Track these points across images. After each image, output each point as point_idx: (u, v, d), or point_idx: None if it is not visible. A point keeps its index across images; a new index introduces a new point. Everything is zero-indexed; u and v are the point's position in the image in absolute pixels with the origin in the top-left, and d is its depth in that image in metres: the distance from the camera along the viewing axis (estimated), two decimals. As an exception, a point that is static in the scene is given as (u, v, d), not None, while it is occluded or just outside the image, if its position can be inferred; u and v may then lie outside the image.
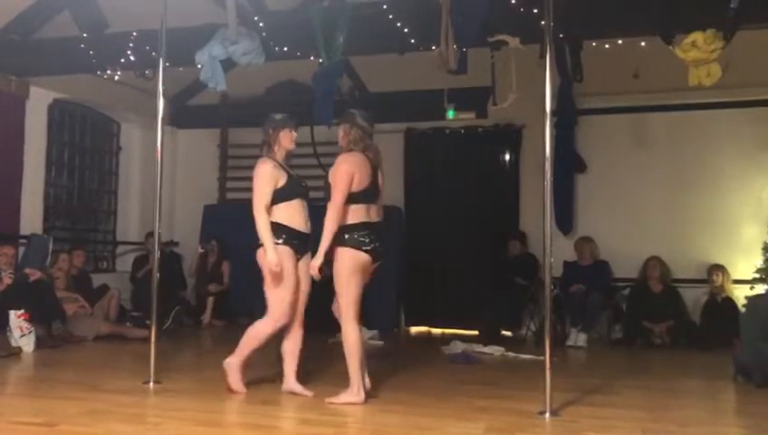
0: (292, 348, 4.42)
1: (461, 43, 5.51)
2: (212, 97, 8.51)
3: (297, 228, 4.34)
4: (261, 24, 6.02)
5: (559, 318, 7.30)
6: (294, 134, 4.48)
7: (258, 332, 4.35)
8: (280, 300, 4.27)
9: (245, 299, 7.80)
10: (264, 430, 3.56)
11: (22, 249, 7.20)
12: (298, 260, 4.34)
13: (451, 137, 8.58)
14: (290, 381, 4.40)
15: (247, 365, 4.41)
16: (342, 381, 4.16)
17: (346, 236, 4.12)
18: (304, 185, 4.51)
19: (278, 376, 4.48)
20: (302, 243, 4.37)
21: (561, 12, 4.46)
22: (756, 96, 7.48)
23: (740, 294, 6.98)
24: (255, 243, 4.31)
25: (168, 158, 8.66)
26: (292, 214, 4.33)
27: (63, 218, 8.54)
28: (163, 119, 5.07)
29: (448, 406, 4.21)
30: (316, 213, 4.34)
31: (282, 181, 4.35)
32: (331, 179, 4.18)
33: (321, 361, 5.29)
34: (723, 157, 7.71)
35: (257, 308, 7.35)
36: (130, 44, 6.51)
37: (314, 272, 4.12)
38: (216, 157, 9.26)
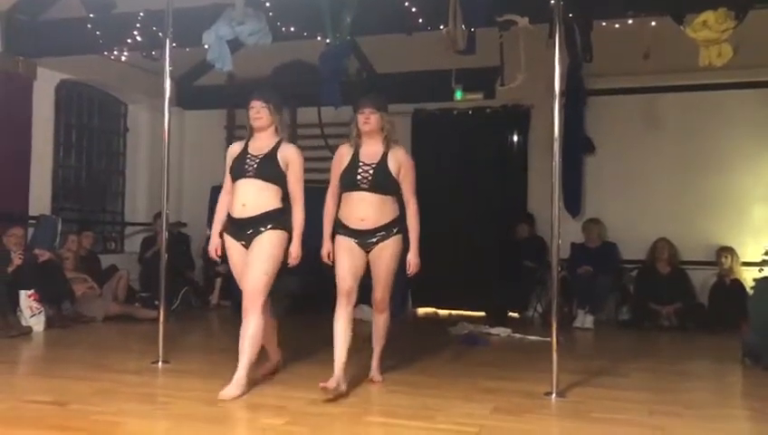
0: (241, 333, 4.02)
1: (469, 23, 5.47)
2: (219, 78, 8.48)
3: (230, 213, 4.11)
4: (268, 5, 5.98)
5: (566, 300, 7.30)
6: (251, 114, 4.12)
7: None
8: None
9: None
10: (272, 410, 3.58)
11: (31, 230, 7.24)
12: (244, 246, 4.05)
13: (459, 118, 8.54)
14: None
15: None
16: (351, 362, 4.17)
17: (403, 225, 4.26)
18: (251, 164, 4.07)
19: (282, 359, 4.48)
20: (237, 228, 4.08)
21: (570, -9, 4.41)
22: (767, 77, 7.40)
23: (748, 277, 6.95)
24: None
25: (176, 139, 8.61)
26: (234, 197, 4.10)
27: (72, 199, 8.57)
28: (170, 99, 5.06)
29: (455, 387, 4.22)
30: (320, 197, 4.24)
31: (230, 162, 4.19)
32: (405, 176, 4.19)
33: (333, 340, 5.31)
34: (733, 138, 7.65)
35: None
36: (137, 25, 6.49)
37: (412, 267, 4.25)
38: (224, 138, 9.24)
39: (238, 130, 9.34)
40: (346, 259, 4.09)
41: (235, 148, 4.23)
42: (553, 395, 4.00)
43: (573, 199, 7.86)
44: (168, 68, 5.04)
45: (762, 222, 7.46)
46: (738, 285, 7.18)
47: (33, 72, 7.43)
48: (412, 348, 5.52)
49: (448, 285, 8.41)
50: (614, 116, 8.00)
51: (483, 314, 7.74)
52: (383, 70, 8.52)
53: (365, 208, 4.07)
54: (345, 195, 4.13)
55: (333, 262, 4.14)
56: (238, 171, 4.11)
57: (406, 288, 8.32)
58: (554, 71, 4.26)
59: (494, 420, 3.54)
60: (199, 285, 8.60)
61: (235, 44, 6.07)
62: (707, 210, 7.66)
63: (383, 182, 4.09)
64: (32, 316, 6.10)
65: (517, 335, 6.45)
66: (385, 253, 4.13)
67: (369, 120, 4.10)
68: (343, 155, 4.19)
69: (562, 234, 4.35)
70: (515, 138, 8.45)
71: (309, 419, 3.44)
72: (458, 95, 8.14)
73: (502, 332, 6.56)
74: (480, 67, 6.97)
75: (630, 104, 7.99)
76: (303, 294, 7.10)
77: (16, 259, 6.30)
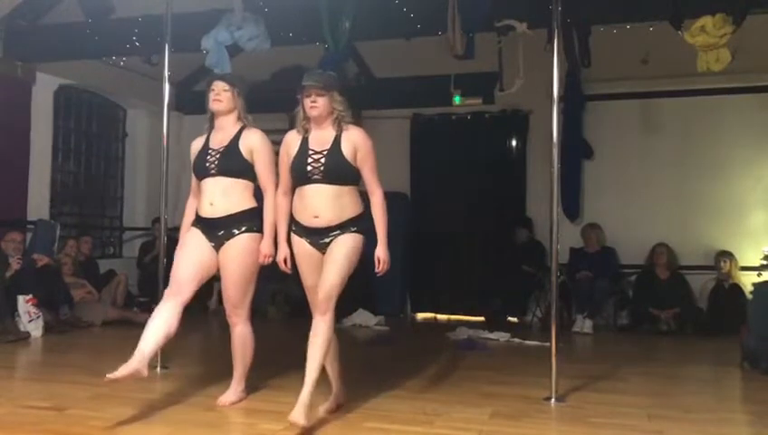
0: (156, 322, 3.63)
1: (468, 28, 5.48)
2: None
3: (198, 213, 3.81)
4: (266, 10, 5.99)
5: (565, 304, 7.30)
6: (211, 96, 3.79)
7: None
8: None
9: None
10: (270, 415, 3.57)
11: (29, 235, 7.23)
12: (214, 247, 3.74)
13: (458, 123, 8.55)
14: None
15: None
16: (350, 367, 4.16)
17: (365, 225, 3.61)
18: (212, 161, 3.74)
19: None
20: (207, 227, 3.76)
21: (568, -4, 4.42)
22: (765, 81, 7.41)
23: (747, 281, 6.95)
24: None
25: (174, 143, 8.57)
26: (201, 196, 3.80)
27: (70, 204, 8.56)
28: (169, 104, 5.06)
29: (454, 392, 4.22)
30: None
31: (193, 159, 3.86)
32: (364, 160, 3.56)
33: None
34: (731, 143, 7.66)
35: (262, 294, 7.39)
36: (136, 30, 6.50)
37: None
38: (223, 143, 9.26)
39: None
40: (308, 275, 3.59)
41: (197, 143, 3.87)
42: (552, 400, 3.99)
43: (572, 204, 7.87)
44: (166, 73, 5.04)
45: (760, 226, 7.47)
46: (737, 289, 7.19)
47: (31, 76, 7.43)
48: (411, 353, 5.51)
49: (447, 289, 8.43)
50: (612, 121, 8.01)
51: (481, 318, 7.73)
52: (382, 75, 8.54)
53: (318, 204, 3.49)
54: (298, 189, 3.58)
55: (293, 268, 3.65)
56: (201, 169, 3.78)
57: (402, 291, 8.34)
58: (553, 76, 4.27)
59: (493, 425, 3.54)
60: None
61: (233, 49, 6.07)
62: (706, 215, 7.67)
63: (337, 171, 3.49)
64: (30, 321, 6.08)
65: (516, 340, 6.45)
66: (338, 250, 3.48)
67: (316, 103, 3.52)
68: (290, 143, 3.62)
69: (561, 238, 4.36)
70: (514, 143, 8.46)
71: (309, 424, 3.43)
72: (457, 100, 8.17)
73: (501, 336, 6.56)
74: (479, 72, 7.00)
75: (629, 109, 8.00)
76: (305, 297, 7.08)
77: (15, 264, 6.30)
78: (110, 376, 3.32)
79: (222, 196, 3.71)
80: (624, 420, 3.70)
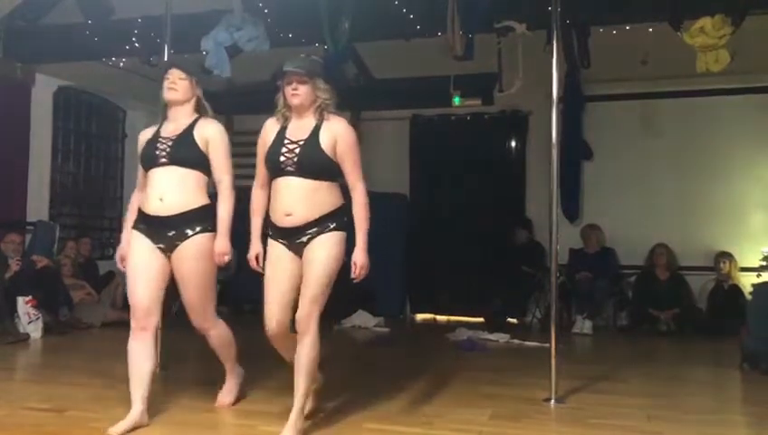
0: (137, 363, 3.39)
1: (467, 28, 5.48)
2: (217, 84, 8.47)
3: (143, 210, 3.47)
4: (266, 11, 6.00)
5: (565, 305, 7.30)
6: (165, 84, 3.49)
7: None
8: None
9: (251, 286, 7.85)
10: (269, 417, 3.57)
11: (29, 236, 7.23)
12: (163, 250, 3.41)
13: (457, 124, 8.55)
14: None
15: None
16: (350, 369, 4.17)
17: (345, 219, 3.27)
18: (163, 148, 3.42)
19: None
20: (155, 227, 3.40)
21: (568, -3, 4.42)
22: (765, 82, 7.43)
23: (747, 282, 6.96)
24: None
25: (174, 145, 8.65)
26: (148, 191, 3.46)
27: (70, 205, 8.56)
28: (168, 105, 5.04)
29: (454, 393, 4.22)
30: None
31: (140, 150, 3.54)
32: (345, 154, 3.22)
33: (332, 346, 5.29)
34: (730, 143, 7.67)
35: (262, 295, 7.37)
36: (135, 31, 6.50)
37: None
38: (222, 144, 9.25)
39: (237, 135, 9.32)
40: (272, 285, 3.25)
41: (146, 133, 3.56)
42: (552, 401, 3.99)
43: (572, 205, 7.88)
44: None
45: (760, 227, 7.47)
46: (736, 290, 7.20)
47: (31, 77, 7.43)
48: (410, 354, 5.52)
49: (446, 290, 8.43)
50: (612, 122, 8.02)
51: (481, 319, 7.73)
52: (381, 75, 8.53)
53: (291, 199, 3.19)
54: (273, 183, 3.28)
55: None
56: (149, 158, 3.43)
57: (402, 292, 8.33)
58: (552, 77, 4.27)
59: (493, 426, 3.53)
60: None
61: (233, 50, 6.08)
62: (705, 216, 7.68)
63: (312, 163, 3.18)
64: (29, 323, 6.08)
65: (516, 341, 6.45)
66: (316, 255, 3.16)
67: (297, 91, 3.23)
68: (267, 132, 3.35)
69: (561, 239, 4.35)
70: (513, 143, 8.46)
71: (308, 426, 3.42)
72: (456, 101, 8.17)
73: (500, 337, 6.55)
74: (478, 73, 6.99)
75: (628, 110, 8.01)
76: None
77: (14, 265, 6.30)
78: (111, 431, 3.21)
79: (173, 190, 3.37)
80: (624, 420, 3.70)
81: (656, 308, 7.32)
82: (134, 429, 3.30)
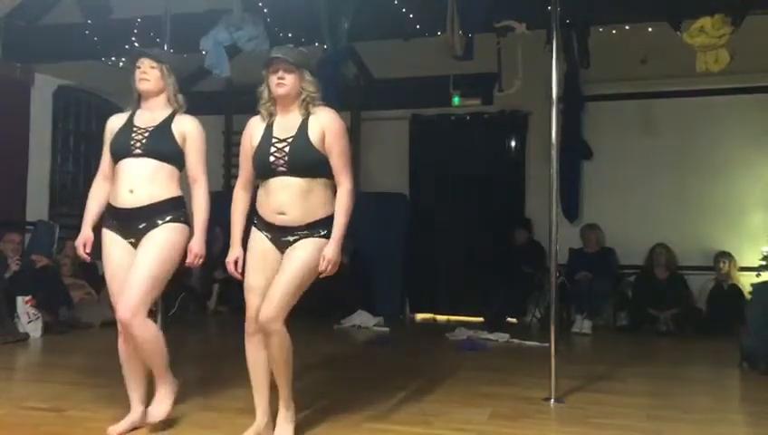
0: (131, 365, 3.31)
1: (467, 28, 5.49)
2: (216, 83, 8.49)
3: (112, 203, 3.29)
4: (265, 10, 6.00)
5: (564, 305, 7.30)
6: (137, 74, 3.35)
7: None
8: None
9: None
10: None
11: (28, 236, 7.23)
12: (134, 244, 3.24)
13: (457, 123, 8.55)
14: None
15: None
16: (350, 368, 4.17)
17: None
18: (138, 139, 3.26)
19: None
20: (124, 221, 3.24)
21: (567, -3, 4.43)
22: (764, 82, 7.42)
23: (746, 282, 6.95)
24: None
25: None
26: (117, 182, 3.28)
27: (69, 205, 8.55)
28: (168, 105, 5.04)
29: (453, 392, 4.22)
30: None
31: (109, 137, 3.38)
32: (332, 144, 3.07)
33: (331, 346, 5.30)
34: (730, 143, 7.67)
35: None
36: (135, 31, 6.51)
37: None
38: (221, 144, 9.25)
39: (236, 135, 9.36)
40: (253, 272, 3.11)
41: (116, 120, 3.40)
42: (552, 400, 3.99)
43: (571, 205, 7.87)
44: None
45: (759, 227, 7.47)
46: (736, 290, 7.19)
47: (30, 77, 7.44)
48: (410, 354, 5.52)
49: (446, 290, 8.43)
50: (612, 121, 8.02)
51: (481, 319, 7.73)
52: (381, 75, 8.54)
53: (284, 199, 3.05)
54: (263, 183, 3.14)
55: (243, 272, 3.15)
56: (121, 148, 3.26)
57: (401, 292, 8.33)
58: (552, 77, 4.27)
59: (493, 426, 3.54)
60: (197, 290, 8.58)
61: (232, 50, 6.08)
62: (705, 215, 7.68)
63: (304, 160, 3.03)
64: (29, 322, 6.08)
65: (515, 341, 6.45)
66: (295, 253, 3.05)
67: (283, 80, 3.06)
68: (253, 130, 3.19)
69: (560, 239, 4.35)
70: (513, 143, 8.46)
71: (307, 425, 3.43)
72: (456, 101, 8.17)
73: (500, 337, 6.55)
74: (478, 73, 6.99)
75: (628, 110, 8.01)
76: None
77: (14, 265, 6.30)
78: (111, 430, 3.20)
79: (145, 181, 3.20)
80: (623, 420, 3.70)
81: (655, 308, 7.32)
82: (133, 429, 3.30)
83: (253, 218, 3.18)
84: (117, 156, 3.28)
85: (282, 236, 3.08)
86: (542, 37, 5.06)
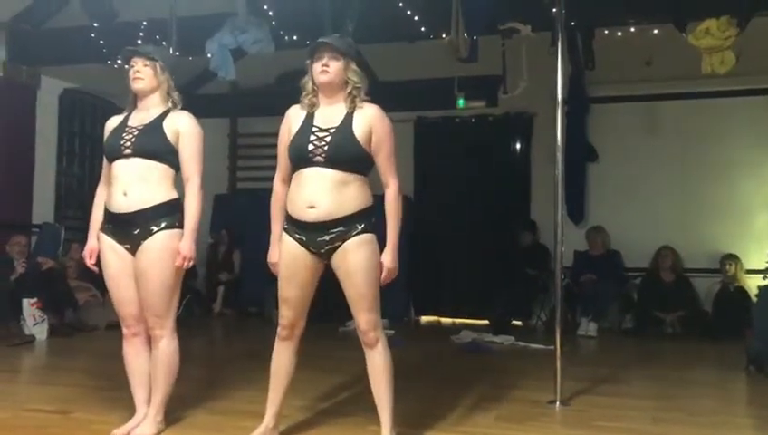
0: (135, 367, 3.33)
1: (471, 31, 5.49)
2: (222, 86, 8.51)
3: (108, 207, 3.24)
4: (270, 13, 6.01)
5: (569, 308, 7.29)
6: (131, 73, 3.24)
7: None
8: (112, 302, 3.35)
9: (256, 288, 7.86)
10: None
11: (34, 238, 7.25)
12: (130, 251, 3.21)
13: (461, 126, 8.55)
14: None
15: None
16: (355, 371, 4.16)
17: (374, 220, 2.99)
18: (128, 138, 3.17)
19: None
20: (119, 226, 3.20)
21: (572, -1, 4.42)
22: (770, 84, 7.41)
23: (752, 284, 6.92)
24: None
25: (179, 147, 8.66)
26: (112, 185, 3.20)
27: (75, 208, 8.58)
28: (173, 108, 5.04)
29: (458, 395, 4.21)
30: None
31: (105, 136, 3.30)
32: (380, 143, 2.93)
33: (338, 350, 5.30)
34: (736, 145, 7.65)
35: (267, 298, 7.38)
36: (140, 34, 6.51)
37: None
38: (226, 146, 9.26)
39: (241, 138, 9.38)
40: (287, 282, 3.01)
41: (113, 121, 3.32)
42: (557, 403, 3.98)
43: (576, 207, 7.86)
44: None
45: (765, 229, 7.45)
46: (742, 292, 7.17)
47: (36, 80, 7.47)
48: (415, 356, 5.51)
49: (451, 293, 8.42)
50: (617, 123, 8.00)
51: (486, 322, 7.72)
52: (385, 78, 8.51)
53: (316, 191, 2.88)
54: (296, 174, 2.98)
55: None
56: (112, 149, 3.19)
57: (406, 294, 8.32)
58: (557, 79, 4.27)
59: (498, 429, 3.53)
60: (202, 293, 8.60)
61: (237, 53, 6.09)
62: (711, 218, 7.66)
63: (345, 152, 2.89)
64: (34, 325, 6.10)
65: (520, 343, 6.44)
66: (351, 265, 2.92)
67: (328, 67, 2.91)
68: (292, 119, 3.05)
69: (565, 242, 4.35)
70: (518, 146, 8.46)
71: (310, 427, 3.43)
72: (461, 103, 8.16)
73: (505, 340, 6.54)
74: (482, 75, 6.99)
75: (633, 112, 8.00)
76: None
77: (19, 267, 6.32)
78: (116, 432, 3.21)
79: (137, 183, 3.12)
80: (629, 423, 3.69)
81: (661, 310, 7.30)
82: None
83: (284, 224, 3.03)
84: (110, 157, 3.24)
85: (316, 235, 2.92)
86: (546, 39, 5.05)
